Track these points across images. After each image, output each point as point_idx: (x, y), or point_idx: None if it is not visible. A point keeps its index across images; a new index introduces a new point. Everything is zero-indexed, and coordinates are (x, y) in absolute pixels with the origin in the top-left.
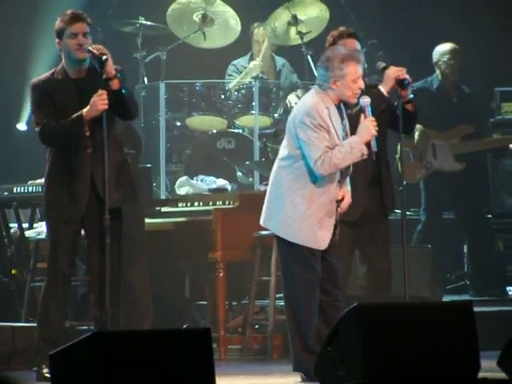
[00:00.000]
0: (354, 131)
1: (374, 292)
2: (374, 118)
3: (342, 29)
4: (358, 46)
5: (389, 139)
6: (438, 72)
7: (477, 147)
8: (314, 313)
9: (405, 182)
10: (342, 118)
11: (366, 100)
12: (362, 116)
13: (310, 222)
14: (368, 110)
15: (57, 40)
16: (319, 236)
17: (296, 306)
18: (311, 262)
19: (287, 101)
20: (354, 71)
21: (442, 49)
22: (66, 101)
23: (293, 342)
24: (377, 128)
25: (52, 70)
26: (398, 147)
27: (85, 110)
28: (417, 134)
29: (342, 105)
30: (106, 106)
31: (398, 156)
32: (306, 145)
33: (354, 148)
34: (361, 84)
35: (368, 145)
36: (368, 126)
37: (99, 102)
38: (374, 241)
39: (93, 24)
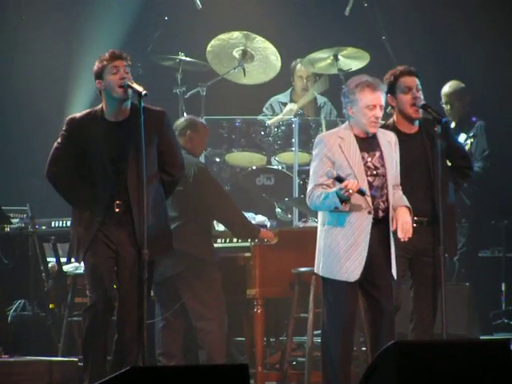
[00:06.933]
0: (415, 151)
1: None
2: (346, 184)
3: (401, 67)
4: (417, 82)
5: None
6: None
7: None
8: (343, 349)
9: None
10: (370, 150)
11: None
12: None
13: (335, 254)
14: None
15: (97, 81)
16: (347, 267)
17: (325, 342)
18: (340, 298)
19: None
20: (369, 98)
21: None
22: (94, 142)
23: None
24: (352, 189)
25: (90, 110)
26: None
27: None
28: None
29: (377, 135)
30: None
31: None
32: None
33: (329, 199)
34: (378, 113)
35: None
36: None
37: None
38: (421, 280)
39: (131, 63)
